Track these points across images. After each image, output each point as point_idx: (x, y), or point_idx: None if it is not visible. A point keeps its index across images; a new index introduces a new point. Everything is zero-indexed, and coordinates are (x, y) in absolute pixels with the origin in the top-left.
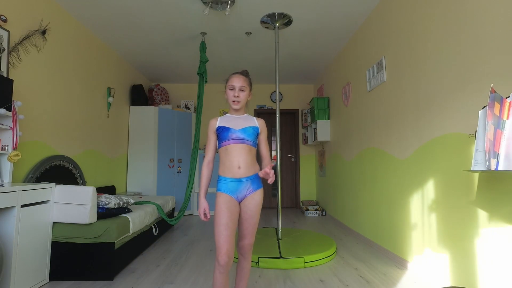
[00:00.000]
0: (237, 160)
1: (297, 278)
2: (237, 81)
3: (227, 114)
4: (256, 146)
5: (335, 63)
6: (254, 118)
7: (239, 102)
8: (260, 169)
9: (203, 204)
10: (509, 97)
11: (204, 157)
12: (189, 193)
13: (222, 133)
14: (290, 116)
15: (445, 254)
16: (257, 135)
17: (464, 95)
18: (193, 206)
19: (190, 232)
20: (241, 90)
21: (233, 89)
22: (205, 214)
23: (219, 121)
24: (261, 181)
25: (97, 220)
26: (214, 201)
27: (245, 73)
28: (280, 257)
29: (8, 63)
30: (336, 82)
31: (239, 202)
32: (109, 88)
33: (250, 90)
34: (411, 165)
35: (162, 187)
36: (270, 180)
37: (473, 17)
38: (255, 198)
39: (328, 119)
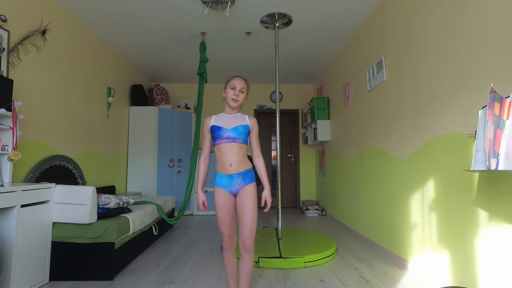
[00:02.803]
0: (229, 158)
1: (297, 278)
2: (239, 82)
3: (221, 114)
4: (247, 143)
5: (335, 63)
6: (246, 116)
7: (237, 101)
8: (252, 165)
9: (201, 196)
10: (509, 97)
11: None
12: (189, 193)
13: (215, 132)
14: (290, 116)
15: (445, 254)
16: (248, 132)
17: (464, 95)
18: (193, 206)
19: (190, 232)
20: (241, 91)
21: (234, 88)
22: (204, 204)
23: (213, 120)
24: (254, 177)
25: (97, 220)
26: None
27: (244, 78)
28: (280, 257)
29: (8, 63)
30: (336, 82)
31: (235, 195)
32: (109, 88)
33: (247, 93)
34: (411, 165)
35: (162, 187)
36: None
37: (473, 17)
38: (248, 191)
39: (328, 119)
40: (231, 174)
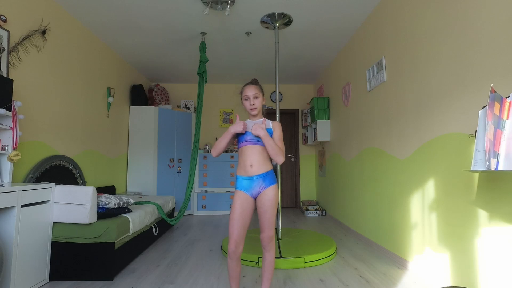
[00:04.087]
0: (250, 159)
1: (297, 278)
2: (250, 90)
3: (247, 120)
4: None
5: (335, 63)
6: (270, 121)
7: (255, 108)
8: (273, 167)
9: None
10: (509, 97)
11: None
12: (189, 193)
13: (240, 136)
14: (290, 116)
15: (445, 253)
16: (270, 136)
17: (464, 95)
18: (193, 206)
19: (190, 232)
20: (255, 97)
21: (248, 99)
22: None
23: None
24: (275, 178)
25: (97, 220)
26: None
27: (255, 82)
28: (280, 257)
29: (8, 63)
30: (336, 82)
31: (255, 198)
32: (109, 88)
33: (263, 95)
34: (411, 165)
35: (162, 187)
36: (255, 129)
37: (473, 17)
38: (268, 194)
39: (328, 119)
40: (252, 176)
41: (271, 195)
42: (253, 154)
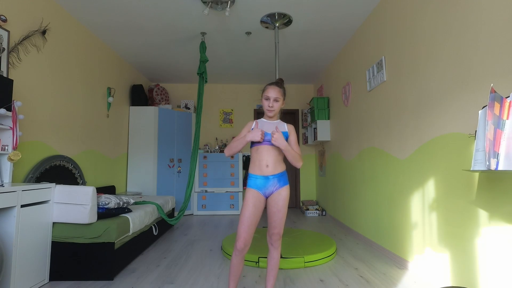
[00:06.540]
0: (266, 159)
1: (297, 278)
2: (272, 92)
3: (262, 119)
4: None
5: (335, 63)
6: (285, 124)
7: (272, 111)
8: (287, 168)
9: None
10: (509, 97)
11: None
12: (189, 193)
13: None
14: (290, 116)
15: (446, 253)
16: (286, 139)
17: (464, 95)
18: (193, 206)
19: (190, 232)
20: (276, 100)
21: (268, 99)
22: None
23: (255, 124)
24: (287, 179)
25: (97, 220)
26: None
27: (280, 84)
28: (280, 257)
29: (8, 63)
30: (336, 82)
31: (266, 198)
32: (109, 88)
33: (284, 99)
34: (411, 165)
35: (162, 187)
36: (274, 136)
37: (473, 17)
38: (282, 194)
39: (328, 119)
40: (267, 176)
41: (284, 195)
42: (269, 155)
